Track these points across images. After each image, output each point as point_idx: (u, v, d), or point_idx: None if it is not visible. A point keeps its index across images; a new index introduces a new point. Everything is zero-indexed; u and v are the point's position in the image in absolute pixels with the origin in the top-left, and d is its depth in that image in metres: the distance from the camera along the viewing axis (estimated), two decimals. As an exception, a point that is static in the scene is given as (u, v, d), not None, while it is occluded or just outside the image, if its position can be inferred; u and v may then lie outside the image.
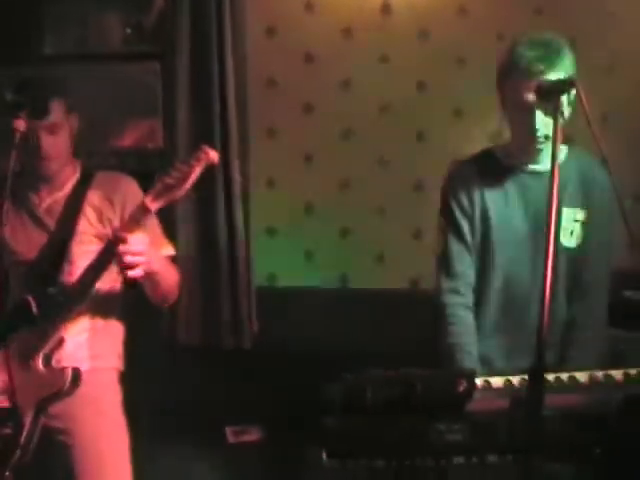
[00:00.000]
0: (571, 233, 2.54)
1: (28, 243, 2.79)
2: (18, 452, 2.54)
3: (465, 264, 2.60)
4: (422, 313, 2.70)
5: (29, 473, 2.66)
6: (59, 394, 2.60)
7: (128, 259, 2.47)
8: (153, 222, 2.76)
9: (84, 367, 2.67)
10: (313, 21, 3.97)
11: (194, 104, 3.90)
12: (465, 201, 2.59)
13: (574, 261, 2.55)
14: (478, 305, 2.62)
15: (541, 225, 2.23)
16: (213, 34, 3.78)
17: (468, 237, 2.59)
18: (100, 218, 2.78)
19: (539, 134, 2.43)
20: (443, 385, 1.88)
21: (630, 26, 3.80)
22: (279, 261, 4.14)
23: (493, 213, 2.56)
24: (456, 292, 2.59)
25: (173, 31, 3.83)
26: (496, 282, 2.59)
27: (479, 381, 2.01)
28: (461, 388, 1.88)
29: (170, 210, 2.42)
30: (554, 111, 2.04)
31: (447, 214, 2.63)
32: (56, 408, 2.65)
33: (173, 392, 3.27)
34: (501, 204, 2.56)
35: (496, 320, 2.61)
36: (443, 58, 3.88)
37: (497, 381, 2.05)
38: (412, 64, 3.91)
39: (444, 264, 2.63)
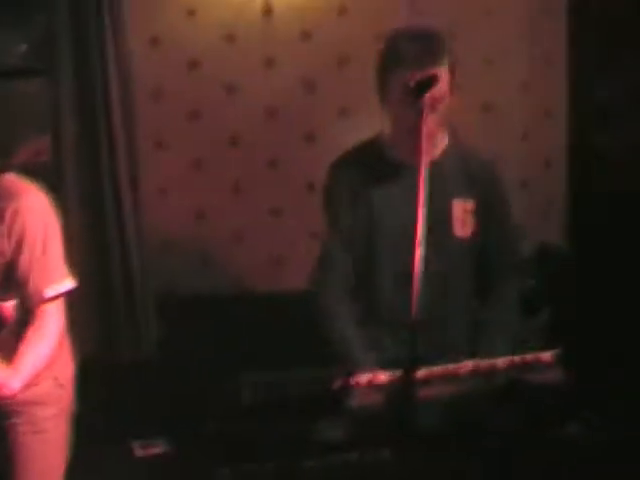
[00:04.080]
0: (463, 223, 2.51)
1: None
2: None
3: (339, 256, 2.53)
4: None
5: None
6: None
7: None
8: (49, 253, 2.30)
9: None
10: (195, 28, 3.95)
11: (80, 118, 3.87)
12: (346, 193, 2.52)
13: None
14: (370, 292, 2.54)
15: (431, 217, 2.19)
16: (95, 48, 3.77)
17: (345, 230, 2.52)
18: None
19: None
20: (318, 385, 1.89)
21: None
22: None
23: (377, 204, 2.50)
24: (325, 284, 2.53)
25: (55, 47, 3.81)
26: (384, 271, 2.51)
27: (363, 377, 2.03)
28: (337, 386, 1.89)
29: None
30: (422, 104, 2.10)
31: (327, 207, 2.57)
32: None
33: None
34: (385, 195, 2.50)
35: (387, 308, 2.51)
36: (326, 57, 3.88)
37: (380, 376, 2.04)
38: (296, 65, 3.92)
39: (320, 256, 2.58)
